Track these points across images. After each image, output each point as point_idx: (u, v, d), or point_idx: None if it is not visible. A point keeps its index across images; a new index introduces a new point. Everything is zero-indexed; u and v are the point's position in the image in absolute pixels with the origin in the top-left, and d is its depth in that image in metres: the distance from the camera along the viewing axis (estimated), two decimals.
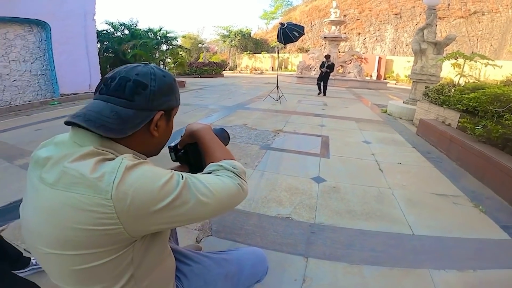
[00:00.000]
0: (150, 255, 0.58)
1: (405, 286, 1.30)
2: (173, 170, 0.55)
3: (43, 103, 7.84)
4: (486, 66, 4.17)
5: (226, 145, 0.91)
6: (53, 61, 8.84)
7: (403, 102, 6.16)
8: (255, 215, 1.85)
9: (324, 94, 8.90)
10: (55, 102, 7.85)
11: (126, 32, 12.09)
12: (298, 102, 7.22)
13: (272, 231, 1.66)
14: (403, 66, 20.85)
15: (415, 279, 1.35)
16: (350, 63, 16.72)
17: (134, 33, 12.00)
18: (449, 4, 25.81)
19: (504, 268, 1.45)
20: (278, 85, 7.23)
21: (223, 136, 0.90)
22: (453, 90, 3.73)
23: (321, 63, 9.17)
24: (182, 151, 0.83)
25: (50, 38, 8.66)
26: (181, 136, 0.81)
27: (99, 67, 9.87)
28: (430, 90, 4.50)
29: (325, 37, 16.63)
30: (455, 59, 4.47)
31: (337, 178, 2.49)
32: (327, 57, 9.10)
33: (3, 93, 8.12)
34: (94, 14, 9.63)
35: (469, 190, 2.33)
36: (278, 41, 6.97)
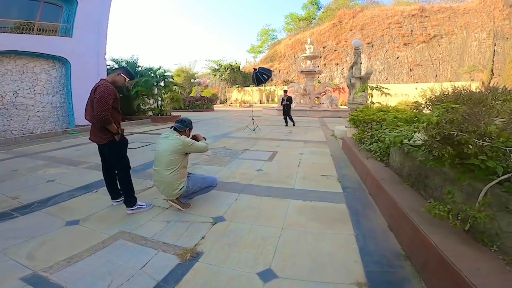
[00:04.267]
0: (184, 161, 2.59)
1: (277, 205, 2.99)
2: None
3: (64, 132, 9.47)
4: (381, 94, 6.32)
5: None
6: (71, 95, 10.26)
7: (345, 127, 8.24)
8: (221, 182, 3.66)
9: (294, 125, 10.41)
10: (74, 132, 9.49)
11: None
12: (270, 131, 9.13)
13: (227, 186, 3.50)
14: (376, 93, 23.57)
15: (282, 202, 3.04)
16: (325, 94, 19.16)
17: (137, 71, 13.90)
18: (412, 30, 28.62)
19: (326, 202, 3.09)
20: (258, 117, 9.29)
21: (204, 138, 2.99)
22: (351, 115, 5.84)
23: (280, 99, 10.77)
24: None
25: (70, 74, 10.16)
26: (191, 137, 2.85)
27: None
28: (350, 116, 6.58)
29: (301, 71, 19.16)
30: (363, 91, 6.68)
31: (270, 170, 4.37)
32: (285, 92, 10.86)
33: (27, 122, 9.59)
34: (105, 54, 11.36)
35: (342, 173, 4.19)
36: (252, 82, 9.16)
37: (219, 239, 2.28)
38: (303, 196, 3.24)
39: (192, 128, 2.85)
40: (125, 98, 13.37)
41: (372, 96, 6.87)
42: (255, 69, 9.01)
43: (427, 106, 2.84)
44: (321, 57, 31.34)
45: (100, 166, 2.98)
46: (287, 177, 3.96)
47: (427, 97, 3.01)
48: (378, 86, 6.58)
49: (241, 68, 35.42)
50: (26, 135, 8.70)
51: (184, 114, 15.99)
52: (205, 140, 3.04)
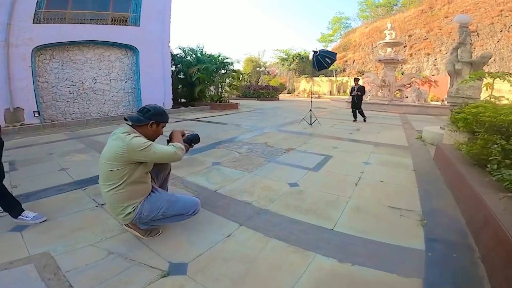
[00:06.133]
0: (134, 174, 1.54)
1: (287, 261, 1.68)
2: (152, 142, 1.57)
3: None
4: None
5: (197, 142, 2.02)
6: (140, 81, 10.95)
7: (440, 128, 5.89)
8: (228, 198, 2.63)
9: (364, 120, 8.54)
10: None
11: (194, 56, 14.17)
12: (330, 127, 7.39)
13: (232, 208, 2.39)
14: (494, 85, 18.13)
15: (298, 258, 1.71)
16: (410, 86, 15.59)
17: (199, 58, 14.00)
18: None
19: (384, 271, 1.59)
20: (323, 109, 7.71)
21: (195, 136, 1.98)
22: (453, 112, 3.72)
23: (350, 89, 8.86)
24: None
25: (139, 62, 10.80)
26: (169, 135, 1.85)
27: (171, 88, 11.75)
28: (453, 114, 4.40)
29: (379, 60, 16.01)
30: (479, 79, 4.34)
31: (309, 185, 2.98)
32: (356, 80, 8.76)
33: (103, 105, 10.57)
34: (169, 41, 11.68)
35: (429, 208, 2.47)
36: (312, 67, 7.60)
37: None
38: (342, 250, 1.81)
39: (164, 122, 1.76)
40: (188, 84, 13.73)
41: (492, 89, 4.45)
42: (315, 52, 7.38)
43: None
44: (405, 46, 26.99)
45: None
46: (329, 205, 2.52)
47: None
48: (507, 74, 4.15)
49: (310, 57, 33.03)
50: (97, 118, 9.61)
51: (247, 102, 15.54)
52: (196, 141, 1.98)
